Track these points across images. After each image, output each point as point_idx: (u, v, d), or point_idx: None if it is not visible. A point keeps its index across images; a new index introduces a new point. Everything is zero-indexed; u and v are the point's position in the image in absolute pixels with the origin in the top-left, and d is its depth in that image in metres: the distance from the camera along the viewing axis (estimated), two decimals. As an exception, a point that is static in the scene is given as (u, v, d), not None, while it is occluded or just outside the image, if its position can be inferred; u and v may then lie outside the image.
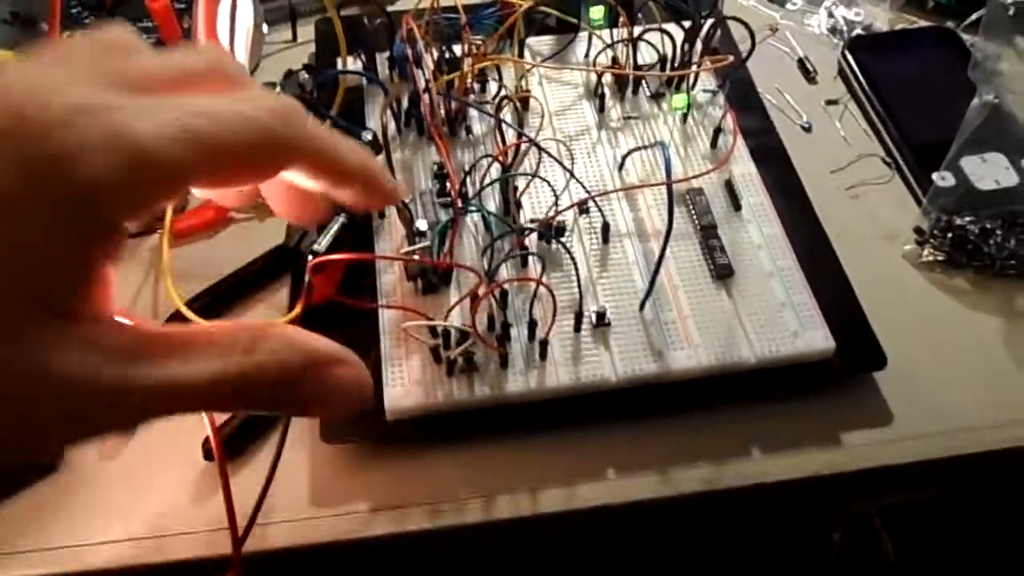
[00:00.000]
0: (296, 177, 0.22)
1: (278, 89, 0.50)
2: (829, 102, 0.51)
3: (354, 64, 0.49)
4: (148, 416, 0.18)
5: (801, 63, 0.53)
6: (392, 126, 0.44)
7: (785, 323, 0.38)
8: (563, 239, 0.40)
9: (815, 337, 0.37)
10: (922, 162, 0.46)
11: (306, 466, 0.36)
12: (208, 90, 0.20)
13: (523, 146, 0.40)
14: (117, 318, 0.19)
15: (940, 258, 0.43)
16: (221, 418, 0.36)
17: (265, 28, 0.55)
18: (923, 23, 0.55)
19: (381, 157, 0.42)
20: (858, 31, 0.54)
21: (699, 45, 0.46)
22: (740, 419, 0.37)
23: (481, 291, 0.34)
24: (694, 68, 0.45)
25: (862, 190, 0.47)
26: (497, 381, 0.36)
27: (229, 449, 0.36)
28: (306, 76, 0.51)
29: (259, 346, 0.19)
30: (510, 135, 0.42)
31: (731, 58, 0.43)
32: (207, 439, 0.36)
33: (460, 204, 0.38)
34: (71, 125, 0.16)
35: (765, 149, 0.45)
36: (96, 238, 0.17)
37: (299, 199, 0.24)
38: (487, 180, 0.40)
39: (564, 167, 0.39)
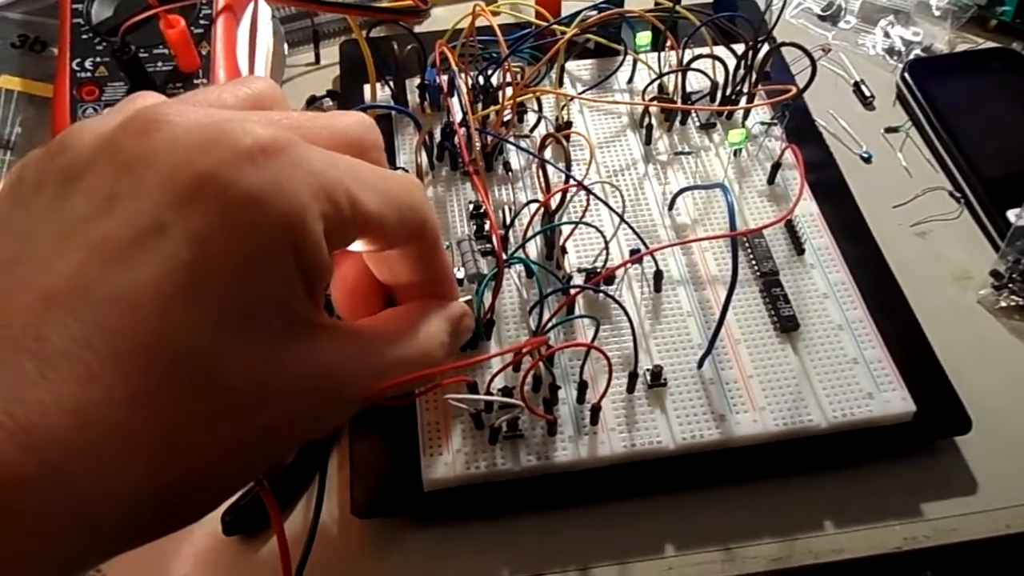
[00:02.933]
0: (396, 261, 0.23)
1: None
2: (889, 129, 0.48)
3: (382, 91, 0.46)
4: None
5: (857, 87, 0.49)
6: (424, 160, 0.41)
7: (858, 383, 0.34)
8: (612, 288, 0.37)
9: (892, 399, 0.34)
10: (995, 197, 0.43)
11: (335, 543, 0.33)
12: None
13: (570, 192, 0.36)
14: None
15: (1021, 303, 0.40)
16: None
17: (286, 49, 0.52)
18: (985, 43, 0.52)
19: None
20: (917, 52, 0.51)
21: (753, 73, 0.42)
22: (810, 489, 0.34)
23: (531, 357, 0.30)
24: (754, 102, 0.42)
25: (928, 227, 0.43)
26: (544, 449, 0.33)
27: (246, 525, 0.33)
28: (331, 103, 0.48)
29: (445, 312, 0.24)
30: (552, 172, 0.39)
31: (793, 89, 0.39)
32: (229, 508, 0.33)
33: (503, 255, 0.35)
34: (273, 155, 0.17)
35: (826, 184, 0.42)
36: (308, 262, 0.18)
37: (365, 293, 0.24)
38: (530, 226, 0.36)
39: (614, 211, 0.36)
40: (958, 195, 0.44)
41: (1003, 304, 0.40)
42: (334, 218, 0.18)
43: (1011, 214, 0.42)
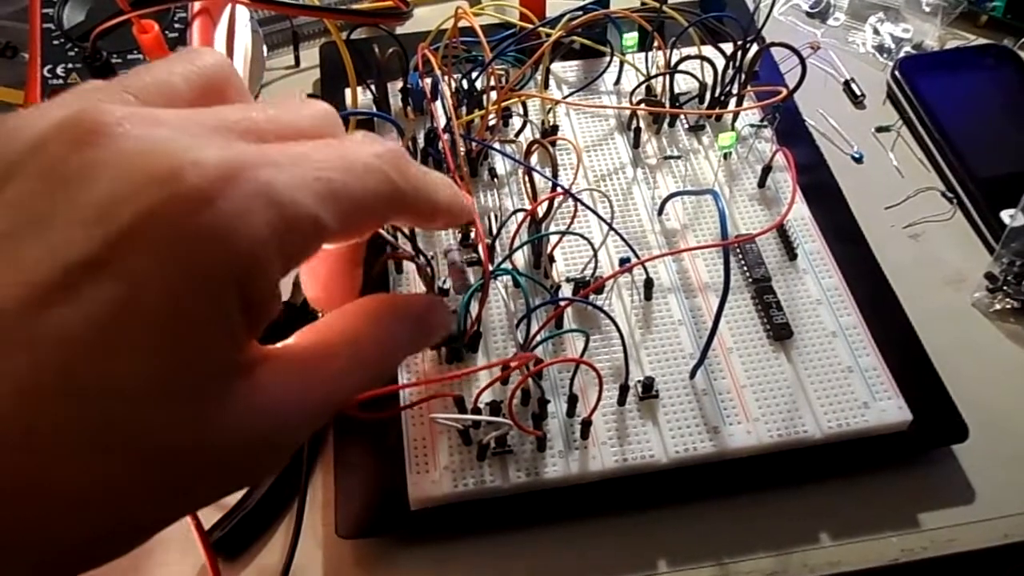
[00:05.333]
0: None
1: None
2: (880, 129, 0.47)
3: (363, 95, 0.45)
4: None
5: (847, 85, 0.49)
6: (407, 167, 0.40)
7: (853, 392, 0.34)
8: (602, 297, 0.36)
9: (888, 408, 0.33)
10: (988, 197, 0.42)
11: (319, 565, 0.32)
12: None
13: (557, 199, 0.36)
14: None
15: (1015, 306, 0.39)
16: (216, 515, 0.32)
17: (265, 52, 0.51)
18: (976, 40, 0.51)
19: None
20: (907, 49, 0.50)
21: (742, 74, 0.41)
22: (805, 501, 0.33)
23: (519, 373, 0.30)
24: (744, 104, 0.41)
25: (921, 228, 0.43)
26: (534, 465, 0.32)
27: (228, 548, 0.32)
28: (311, 108, 0.47)
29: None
30: (539, 178, 0.38)
31: (783, 91, 0.38)
32: (211, 529, 0.32)
33: (490, 266, 0.34)
34: (222, 191, 0.15)
35: (817, 187, 0.41)
36: (256, 300, 0.16)
37: (339, 283, 0.22)
38: (517, 236, 0.35)
39: (603, 220, 0.35)
40: (951, 195, 0.44)
41: (997, 307, 0.39)
42: (294, 246, 0.16)
43: (1005, 215, 0.41)
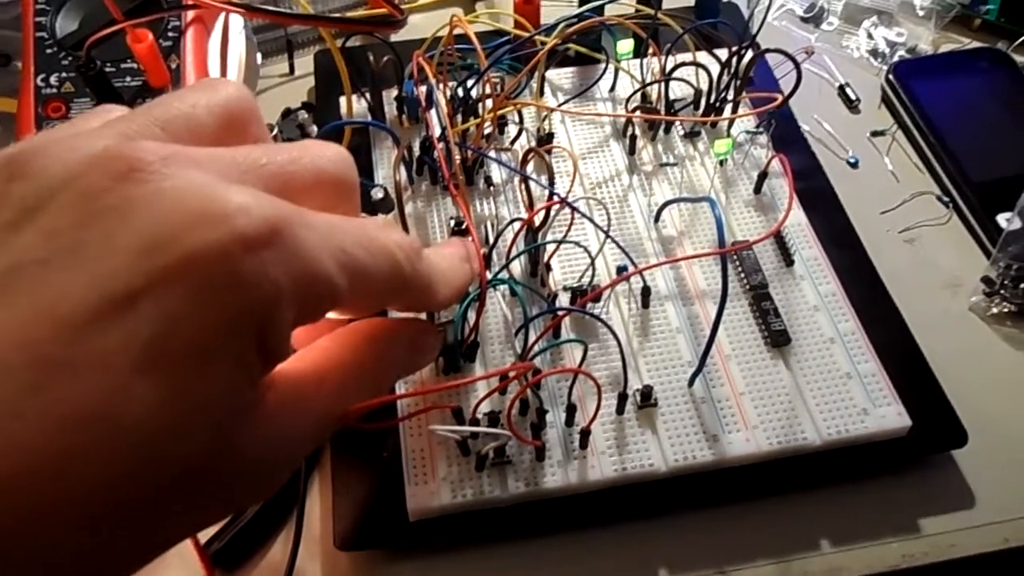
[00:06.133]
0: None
1: (276, 131, 0.46)
2: (875, 133, 0.47)
3: (358, 103, 0.45)
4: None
5: (842, 90, 0.49)
6: (403, 175, 0.40)
7: (852, 398, 0.34)
8: (599, 305, 0.36)
9: (887, 414, 0.33)
10: (984, 201, 0.42)
11: (318, 577, 0.32)
12: (328, 202, 0.20)
13: (553, 207, 0.35)
14: None
15: (1012, 310, 0.39)
16: (212, 529, 0.32)
17: (259, 60, 0.51)
18: (970, 43, 0.51)
19: (393, 213, 0.37)
20: (901, 53, 0.50)
21: (737, 80, 0.41)
22: (805, 508, 0.33)
23: (518, 383, 0.29)
24: (739, 112, 0.41)
25: (917, 233, 0.43)
26: (533, 475, 0.32)
27: (227, 560, 0.32)
28: (306, 116, 0.47)
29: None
30: (535, 186, 0.38)
31: (779, 97, 0.38)
32: (209, 541, 0.32)
33: (487, 276, 0.34)
34: (267, 240, 0.16)
35: (813, 192, 0.41)
36: (271, 347, 0.17)
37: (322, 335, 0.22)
38: (514, 245, 0.35)
39: (600, 228, 0.35)
40: (946, 199, 0.44)
41: (995, 311, 0.39)
42: (309, 305, 0.17)
43: (1001, 219, 0.41)
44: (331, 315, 0.21)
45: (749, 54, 0.40)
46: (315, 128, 0.45)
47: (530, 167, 0.37)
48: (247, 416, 0.17)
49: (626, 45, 0.42)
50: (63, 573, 0.15)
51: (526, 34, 0.42)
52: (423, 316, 0.31)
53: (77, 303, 0.14)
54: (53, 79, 0.43)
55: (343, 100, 0.45)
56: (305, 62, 0.51)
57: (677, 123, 0.42)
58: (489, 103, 0.39)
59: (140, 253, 0.15)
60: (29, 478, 0.13)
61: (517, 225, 0.35)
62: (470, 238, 0.36)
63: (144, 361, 0.14)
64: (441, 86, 0.39)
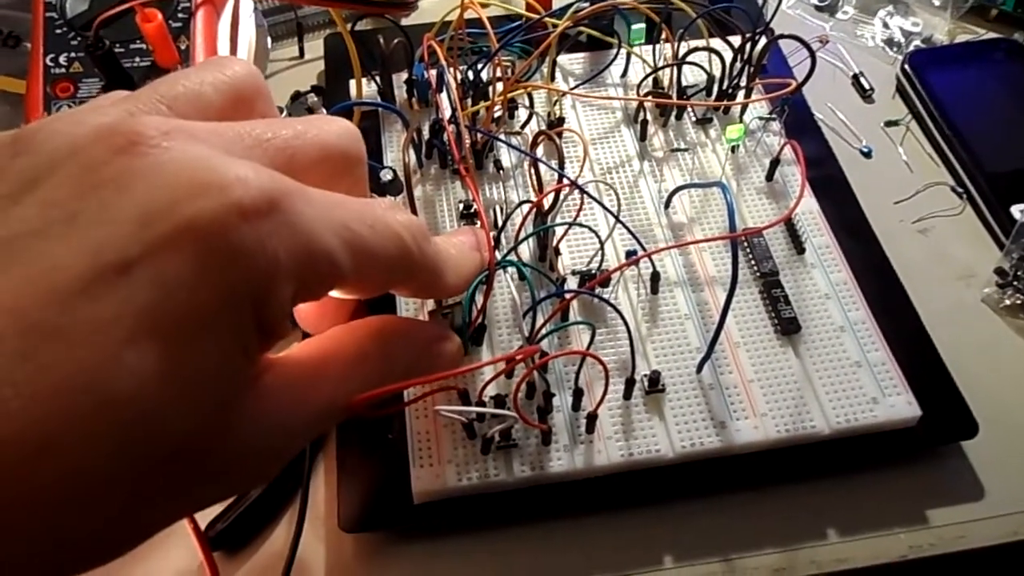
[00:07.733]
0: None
1: (285, 114, 0.46)
2: (889, 123, 0.46)
3: (368, 86, 0.44)
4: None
5: (856, 79, 0.48)
6: (413, 158, 0.40)
7: (862, 387, 0.33)
8: (608, 290, 0.35)
9: (897, 403, 0.33)
10: (998, 192, 0.42)
11: (321, 559, 0.32)
12: (334, 177, 0.20)
13: (563, 191, 0.35)
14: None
15: (1026, 302, 0.39)
16: (218, 508, 0.32)
17: (269, 43, 0.51)
18: (987, 34, 0.51)
19: (402, 196, 0.37)
20: (916, 43, 0.50)
21: (750, 66, 0.41)
22: (812, 497, 0.33)
23: (524, 366, 0.29)
24: (752, 97, 0.41)
25: (931, 223, 0.42)
26: (539, 459, 0.32)
27: (230, 541, 0.32)
28: (315, 99, 0.47)
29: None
30: (544, 170, 0.37)
31: (792, 84, 0.38)
32: (212, 523, 0.32)
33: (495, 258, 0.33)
34: (264, 211, 0.16)
35: (825, 181, 0.41)
36: (268, 321, 0.16)
37: (331, 315, 0.23)
38: (523, 227, 0.35)
39: (609, 212, 0.35)
40: (960, 190, 0.43)
41: (1008, 303, 0.39)
42: (309, 280, 0.17)
43: (1015, 210, 0.40)
44: (337, 294, 0.21)
45: (763, 41, 0.40)
46: (324, 111, 0.45)
47: (540, 150, 0.37)
48: (243, 394, 0.17)
49: (639, 30, 0.42)
50: (47, 549, 0.14)
51: (537, 17, 0.42)
52: (431, 304, 0.31)
53: (70, 272, 0.14)
54: (62, 59, 0.42)
55: (353, 83, 0.44)
56: (315, 46, 0.50)
57: (689, 109, 0.42)
58: (499, 86, 0.39)
59: (136, 222, 0.15)
60: (18, 447, 0.13)
61: (526, 208, 0.35)
62: (479, 224, 0.36)
63: (137, 330, 0.14)
64: (451, 69, 0.38)
